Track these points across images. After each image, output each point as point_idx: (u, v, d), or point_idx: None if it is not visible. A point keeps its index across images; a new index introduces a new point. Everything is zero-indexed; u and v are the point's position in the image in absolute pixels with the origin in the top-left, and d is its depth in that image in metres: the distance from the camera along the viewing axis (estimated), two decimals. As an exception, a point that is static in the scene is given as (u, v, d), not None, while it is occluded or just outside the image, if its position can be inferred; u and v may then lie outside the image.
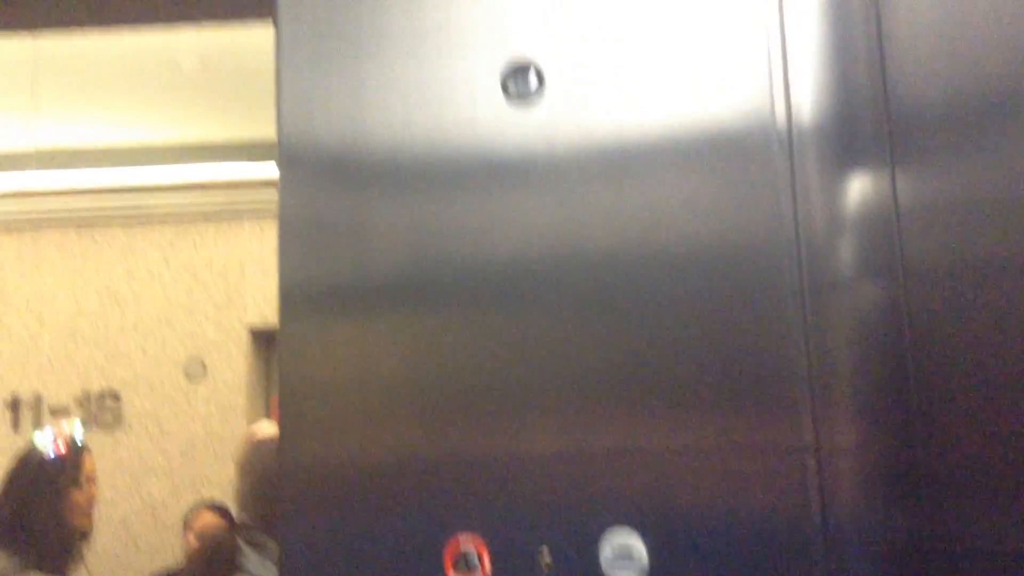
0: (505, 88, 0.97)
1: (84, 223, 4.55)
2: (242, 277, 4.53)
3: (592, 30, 0.99)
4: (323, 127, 1.00)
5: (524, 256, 0.97)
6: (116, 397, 4.45)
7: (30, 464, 2.39)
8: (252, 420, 4.46)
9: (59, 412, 4.41)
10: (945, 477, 0.90)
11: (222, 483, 4.36)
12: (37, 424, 4.36)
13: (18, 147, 4.31)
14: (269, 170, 4.26)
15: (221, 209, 4.53)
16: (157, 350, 4.50)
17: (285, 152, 1.00)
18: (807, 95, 0.96)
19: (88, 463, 2.44)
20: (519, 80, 0.97)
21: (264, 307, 4.46)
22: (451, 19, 0.99)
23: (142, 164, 4.44)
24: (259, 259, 4.50)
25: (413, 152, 0.99)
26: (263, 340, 4.57)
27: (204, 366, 4.48)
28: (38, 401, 4.44)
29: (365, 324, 0.99)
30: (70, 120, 4.26)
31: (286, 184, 1.00)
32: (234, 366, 4.50)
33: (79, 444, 2.47)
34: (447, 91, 0.99)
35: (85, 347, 4.49)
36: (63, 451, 2.41)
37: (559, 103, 0.98)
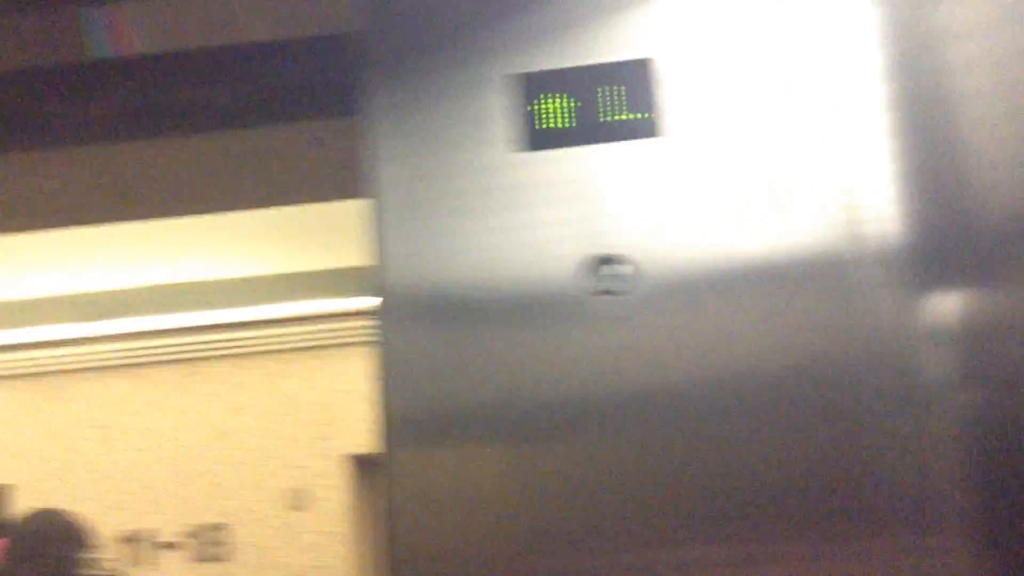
0: (594, 274, 1.03)
1: (191, 360, 4.74)
2: (341, 405, 4.62)
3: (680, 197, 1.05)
4: (421, 273, 1.08)
5: (619, 384, 1.02)
6: (224, 530, 4.53)
7: None
8: (357, 548, 4.48)
9: (170, 547, 4.51)
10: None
11: (328, 614, 4.35)
12: (153, 562, 4.46)
13: (132, 286, 4.55)
14: (361, 302, 4.39)
15: (318, 340, 4.67)
16: (262, 481, 4.59)
17: (388, 295, 1.07)
18: (889, 222, 1.02)
19: None
20: (607, 274, 1.04)
21: (363, 434, 4.53)
22: (536, 179, 1.07)
23: (244, 297, 4.63)
24: (356, 387, 4.60)
25: (505, 293, 1.05)
26: (364, 467, 4.63)
27: (308, 496, 4.54)
28: (151, 536, 4.55)
29: (468, 450, 1.03)
30: (177, 258, 4.50)
31: (388, 322, 1.06)
32: (337, 495, 4.55)
33: None
34: (534, 244, 1.06)
35: (193, 480, 4.61)
36: None
37: (649, 289, 1.03)
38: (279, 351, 4.71)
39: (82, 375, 4.73)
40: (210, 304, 4.56)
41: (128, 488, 4.60)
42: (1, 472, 4.74)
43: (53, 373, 4.73)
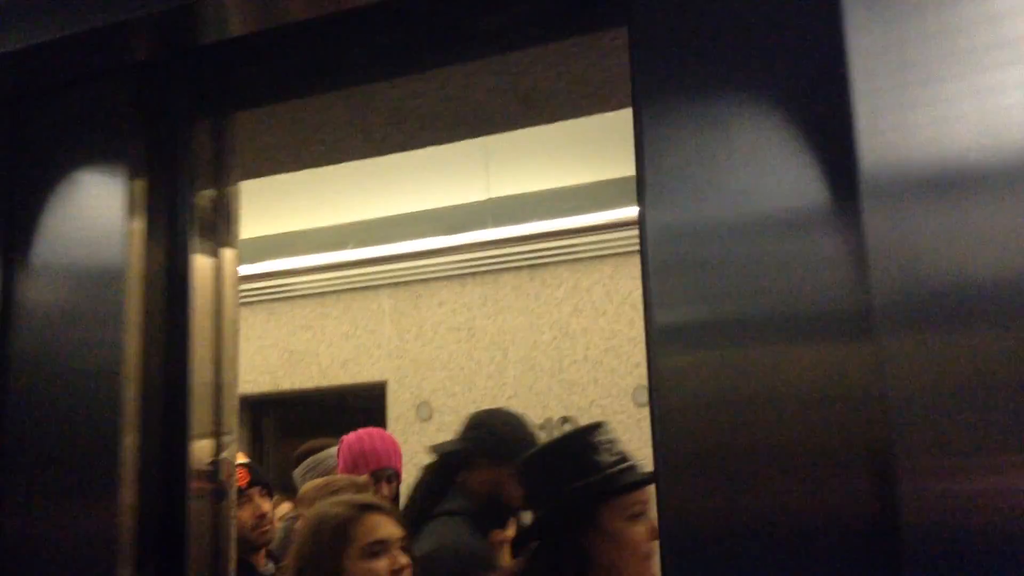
0: None
1: (535, 266, 5.04)
2: (678, 305, 4.72)
3: None
4: (904, 148, 1.06)
5: None
6: (573, 423, 4.84)
7: None
8: (699, 442, 4.62)
9: (526, 437, 4.89)
10: None
11: (680, 503, 4.55)
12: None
13: (475, 200, 4.89)
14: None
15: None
16: (606, 378, 4.84)
17: (868, 178, 1.07)
18: None
19: None
20: None
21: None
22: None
23: (579, 205, 4.82)
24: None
25: (1003, 157, 1.01)
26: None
27: (650, 392, 4.72)
28: (509, 428, 4.96)
29: (965, 333, 1.02)
30: (516, 171, 4.77)
31: (873, 207, 1.07)
32: (678, 391, 4.69)
33: None
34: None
35: (543, 377, 4.95)
36: None
37: None
38: (615, 255, 4.88)
39: (442, 283, 5.19)
40: (552, 213, 4.80)
41: (486, 384, 5.03)
42: (376, 369, 5.35)
43: (418, 282, 5.23)
